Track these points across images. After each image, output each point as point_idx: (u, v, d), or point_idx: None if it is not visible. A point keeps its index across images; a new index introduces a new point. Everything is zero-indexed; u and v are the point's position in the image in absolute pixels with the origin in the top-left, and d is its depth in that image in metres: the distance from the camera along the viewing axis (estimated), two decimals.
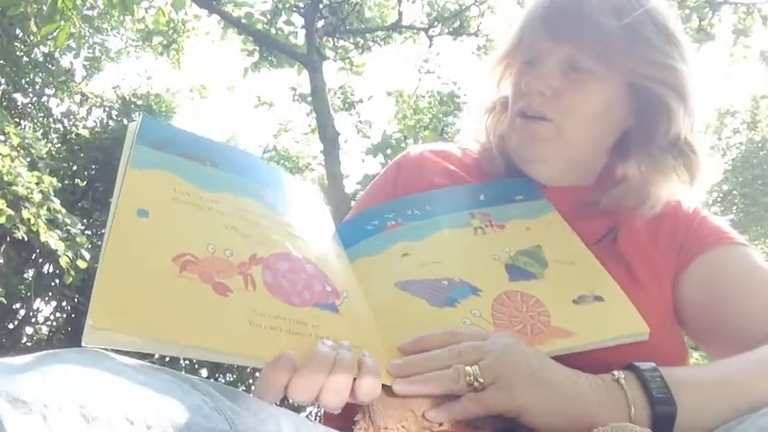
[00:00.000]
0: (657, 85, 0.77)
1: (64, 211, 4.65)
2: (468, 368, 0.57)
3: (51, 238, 4.24)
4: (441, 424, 0.57)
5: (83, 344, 0.49)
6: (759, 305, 0.73)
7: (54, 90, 7.80)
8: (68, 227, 4.56)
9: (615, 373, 0.61)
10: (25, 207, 4.23)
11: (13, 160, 4.41)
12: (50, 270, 6.52)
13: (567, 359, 0.62)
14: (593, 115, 0.80)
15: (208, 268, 0.58)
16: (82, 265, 4.41)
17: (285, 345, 0.55)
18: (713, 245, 0.79)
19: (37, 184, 4.47)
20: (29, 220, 4.19)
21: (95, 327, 0.48)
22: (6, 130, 4.61)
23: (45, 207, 4.42)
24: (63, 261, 4.30)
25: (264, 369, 0.54)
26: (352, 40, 7.71)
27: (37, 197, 4.38)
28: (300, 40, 6.91)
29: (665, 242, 0.81)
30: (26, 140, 4.75)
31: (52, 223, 4.45)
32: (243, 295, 0.58)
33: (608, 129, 0.83)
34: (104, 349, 0.48)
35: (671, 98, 0.77)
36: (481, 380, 0.57)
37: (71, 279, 4.41)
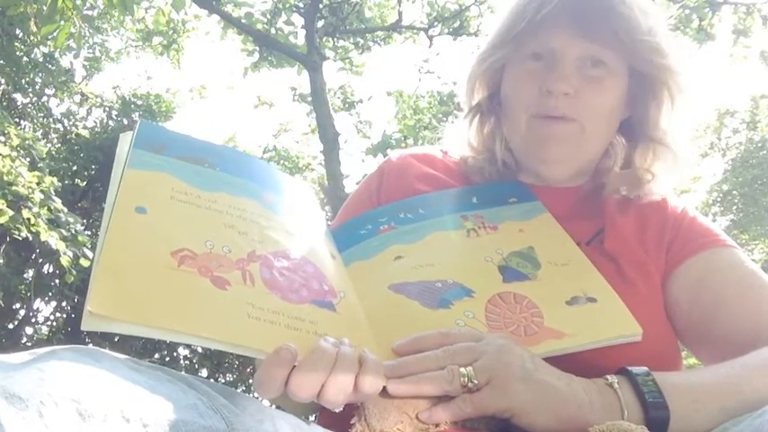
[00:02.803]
0: (655, 70, 0.79)
1: (65, 210, 4.65)
2: (462, 369, 0.57)
3: (51, 238, 4.24)
4: (437, 426, 0.57)
5: (82, 328, 0.50)
6: (748, 308, 0.73)
7: (54, 90, 7.79)
8: (71, 226, 4.55)
9: (609, 377, 0.61)
10: (26, 207, 4.23)
11: (13, 160, 4.41)
12: (50, 270, 6.52)
13: (557, 362, 0.62)
14: (609, 112, 0.80)
15: (206, 263, 0.59)
16: (85, 263, 4.40)
17: (284, 338, 0.55)
18: (703, 247, 0.79)
19: (38, 184, 4.47)
20: (29, 220, 4.19)
21: (94, 313, 0.49)
22: (7, 131, 4.61)
23: (46, 207, 4.42)
24: (64, 260, 4.28)
25: (264, 361, 0.53)
26: (352, 40, 7.71)
27: (38, 197, 4.38)
28: (300, 40, 6.91)
29: (653, 241, 0.81)
30: (27, 141, 4.75)
31: (53, 223, 4.45)
32: (241, 289, 0.58)
33: (614, 124, 0.83)
34: (102, 343, 0.49)
35: (667, 86, 0.80)
36: (475, 381, 0.57)
37: (72, 279, 4.40)
